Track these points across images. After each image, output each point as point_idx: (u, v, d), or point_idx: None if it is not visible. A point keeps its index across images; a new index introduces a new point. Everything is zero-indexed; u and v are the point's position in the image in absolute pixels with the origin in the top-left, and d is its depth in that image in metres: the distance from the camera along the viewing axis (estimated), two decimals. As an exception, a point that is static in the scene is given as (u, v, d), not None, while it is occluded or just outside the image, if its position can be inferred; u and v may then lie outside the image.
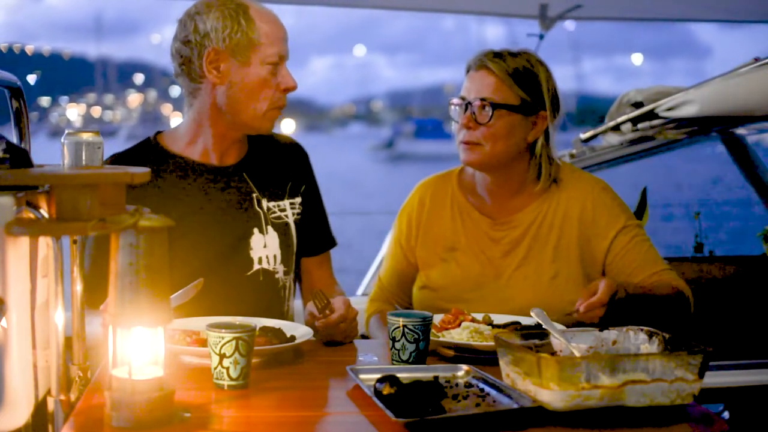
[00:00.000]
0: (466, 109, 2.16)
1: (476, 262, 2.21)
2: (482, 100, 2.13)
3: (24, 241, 1.37)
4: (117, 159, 2.13)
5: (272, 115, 2.11)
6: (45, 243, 1.45)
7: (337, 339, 1.95)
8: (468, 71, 2.21)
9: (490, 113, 2.12)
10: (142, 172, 1.41)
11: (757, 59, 2.89)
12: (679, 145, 3.64)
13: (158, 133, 2.21)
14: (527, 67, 2.16)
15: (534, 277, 2.17)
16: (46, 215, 1.36)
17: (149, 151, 2.15)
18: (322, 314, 1.90)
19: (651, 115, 3.11)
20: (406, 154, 36.62)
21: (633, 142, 3.34)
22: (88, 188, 1.34)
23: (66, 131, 1.50)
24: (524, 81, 2.15)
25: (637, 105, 3.20)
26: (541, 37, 3.82)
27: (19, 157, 1.36)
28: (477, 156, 2.16)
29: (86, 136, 1.49)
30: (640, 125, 3.17)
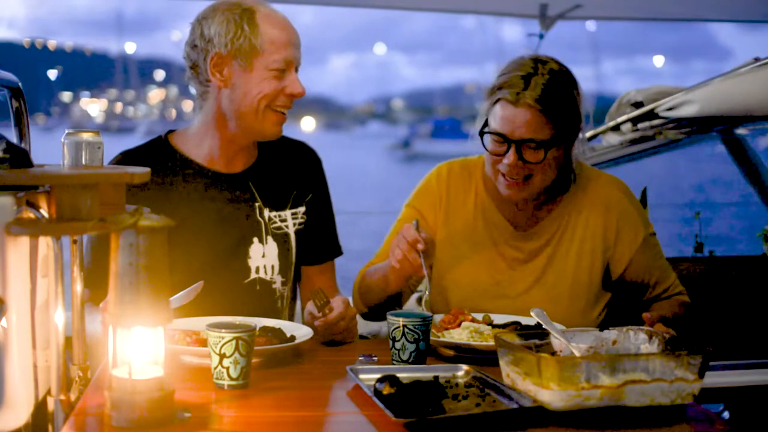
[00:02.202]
0: (508, 148, 2.01)
1: (493, 269, 2.16)
2: (530, 141, 1.99)
3: (24, 241, 1.37)
4: (127, 155, 2.14)
5: (276, 120, 2.09)
6: (45, 243, 1.45)
7: (336, 339, 1.95)
8: (499, 97, 2.02)
9: (542, 155, 2.01)
10: (142, 172, 1.41)
11: (757, 59, 2.88)
12: (679, 145, 3.64)
13: (170, 132, 2.22)
14: (564, 90, 2.02)
15: (556, 287, 2.14)
16: (46, 215, 1.36)
17: (159, 150, 2.16)
18: (321, 312, 1.90)
19: (651, 115, 3.11)
20: (422, 153, 36.56)
21: (633, 142, 3.34)
22: (88, 188, 1.34)
23: (66, 131, 1.50)
24: (565, 108, 2.02)
25: (637, 105, 3.20)
26: (541, 36, 3.82)
27: (19, 157, 1.36)
28: (525, 192, 2.06)
29: (86, 136, 1.49)
30: (640, 125, 3.17)
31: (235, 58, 2.04)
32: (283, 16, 2.09)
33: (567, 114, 2.03)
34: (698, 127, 3.20)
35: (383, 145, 41.97)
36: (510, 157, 2.01)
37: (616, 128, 3.27)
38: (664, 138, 3.25)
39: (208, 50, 2.05)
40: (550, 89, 1.99)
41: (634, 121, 3.18)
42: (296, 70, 2.09)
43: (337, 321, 1.91)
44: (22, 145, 1.81)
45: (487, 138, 2.06)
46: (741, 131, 3.63)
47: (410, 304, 2.65)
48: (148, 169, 1.44)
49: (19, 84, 2.08)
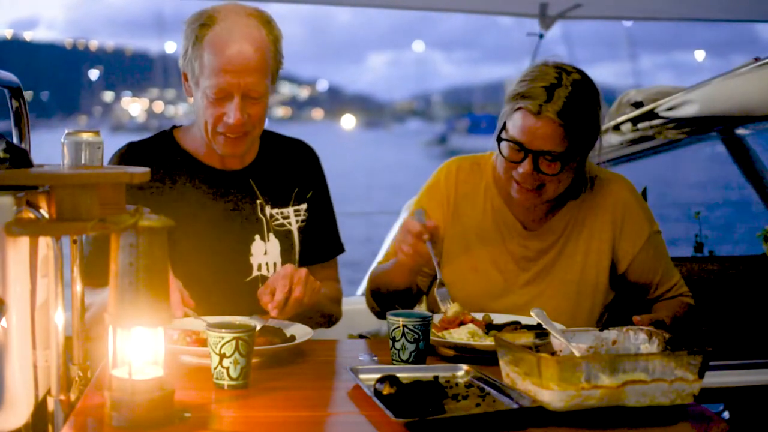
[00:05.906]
0: (525, 157, 2.00)
1: (502, 267, 2.15)
2: (548, 153, 1.98)
3: (24, 241, 1.37)
4: (131, 147, 2.14)
5: (225, 143, 2.03)
6: (45, 243, 1.45)
7: (306, 300, 1.89)
8: (521, 106, 1.99)
9: (558, 167, 2.00)
10: (141, 172, 1.41)
11: (757, 59, 2.89)
12: (679, 145, 3.64)
13: (174, 127, 2.22)
14: (585, 103, 2.00)
15: (564, 285, 2.14)
16: (46, 215, 1.36)
17: (163, 144, 2.15)
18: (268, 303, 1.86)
19: (651, 115, 3.11)
20: (458, 149, 36.71)
21: (633, 142, 3.34)
22: (87, 188, 1.34)
23: (66, 131, 1.50)
24: (585, 122, 2.00)
25: (637, 105, 3.21)
26: (541, 36, 3.82)
27: (19, 157, 1.36)
28: (536, 200, 2.06)
29: (86, 136, 1.49)
30: (640, 125, 3.17)
31: (188, 73, 2.04)
32: (237, 36, 1.95)
33: (587, 128, 2.01)
34: (698, 127, 3.20)
35: (420, 142, 41.93)
36: (525, 167, 2.00)
37: (616, 128, 3.27)
38: (664, 138, 3.25)
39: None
40: (572, 103, 1.97)
41: (634, 121, 3.18)
42: (246, 97, 1.97)
43: (286, 292, 1.85)
44: (22, 145, 1.81)
45: (504, 144, 2.04)
46: (741, 131, 3.63)
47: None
48: (147, 169, 1.44)
49: (19, 83, 2.08)
